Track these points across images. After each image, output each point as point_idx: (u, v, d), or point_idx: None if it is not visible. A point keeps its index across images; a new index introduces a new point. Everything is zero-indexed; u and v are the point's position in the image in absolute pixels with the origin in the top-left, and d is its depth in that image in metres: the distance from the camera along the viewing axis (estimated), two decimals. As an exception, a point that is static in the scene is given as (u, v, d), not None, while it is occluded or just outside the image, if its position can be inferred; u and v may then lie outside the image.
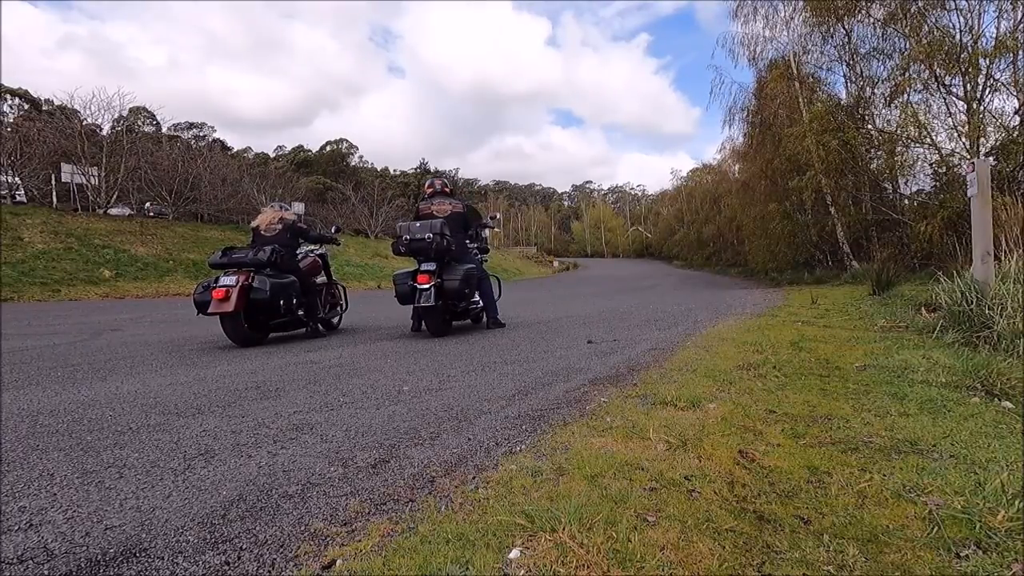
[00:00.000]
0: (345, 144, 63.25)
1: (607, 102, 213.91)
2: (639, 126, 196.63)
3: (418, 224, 5.29)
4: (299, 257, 5.67)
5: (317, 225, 4.96)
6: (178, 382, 3.55)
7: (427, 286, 5.03)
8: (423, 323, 5.54)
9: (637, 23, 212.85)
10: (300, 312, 5.46)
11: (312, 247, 6.09)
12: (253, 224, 5.57)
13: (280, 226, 5.39)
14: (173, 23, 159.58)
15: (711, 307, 8.83)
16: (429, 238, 5.08)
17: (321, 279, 6.19)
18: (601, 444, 2.08)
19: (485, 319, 6.15)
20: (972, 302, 4.31)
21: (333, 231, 6.57)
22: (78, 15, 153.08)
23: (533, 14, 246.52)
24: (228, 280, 4.76)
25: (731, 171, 30.60)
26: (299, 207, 31.43)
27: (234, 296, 4.69)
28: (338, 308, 6.41)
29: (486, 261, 6.40)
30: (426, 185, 6.12)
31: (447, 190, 6.02)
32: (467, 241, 5.82)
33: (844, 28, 15.75)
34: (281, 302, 5.01)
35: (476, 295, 5.78)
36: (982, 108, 12.78)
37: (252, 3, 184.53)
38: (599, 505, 1.54)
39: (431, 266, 5.11)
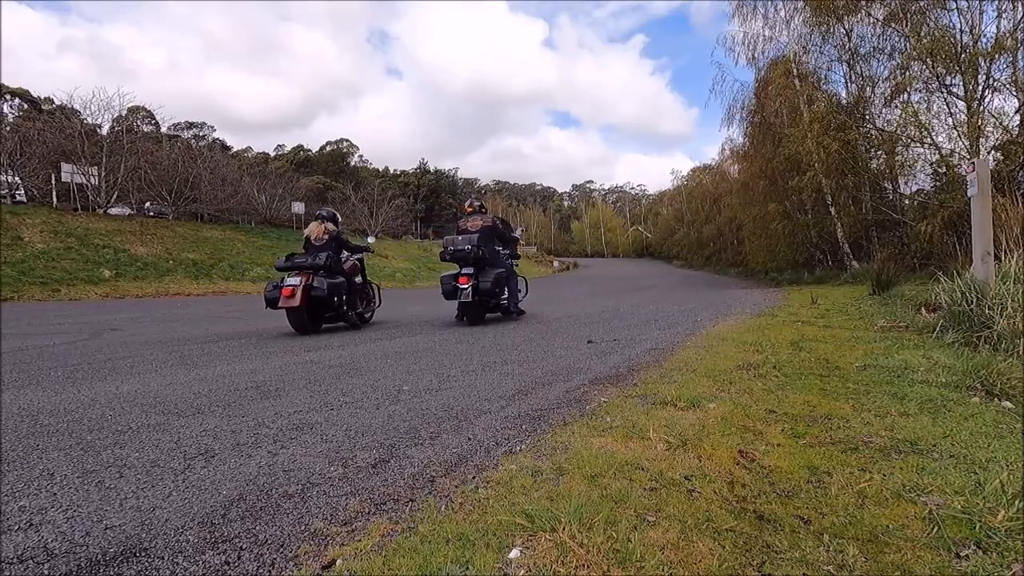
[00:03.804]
0: (345, 144, 63.26)
1: (604, 103, 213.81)
2: (636, 127, 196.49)
3: (460, 238, 6.67)
4: (342, 261, 6.56)
5: (350, 237, 6.03)
6: (178, 382, 3.55)
7: (466, 286, 6.33)
8: (464, 314, 6.71)
9: (632, 24, 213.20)
10: (343, 310, 6.39)
11: (351, 254, 6.99)
12: (305, 234, 6.57)
13: (327, 237, 6.37)
14: (171, 25, 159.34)
15: (711, 307, 8.83)
16: (468, 249, 6.41)
17: (358, 280, 7.03)
18: (601, 444, 2.08)
19: (509, 308, 7.27)
20: (972, 302, 4.31)
21: (369, 241, 7.75)
22: (76, 18, 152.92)
23: (529, 15, 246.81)
24: (293, 280, 5.74)
25: (731, 171, 30.60)
26: (299, 207, 31.50)
27: (299, 294, 5.66)
28: (371, 304, 7.27)
29: (516, 265, 7.55)
30: (465, 204, 7.39)
31: (481, 208, 7.25)
32: (498, 249, 6.96)
33: (844, 28, 15.74)
34: (335, 298, 6.02)
35: (506, 292, 6.93)
36: (982, 108, 12.78)
37: (249, 4, 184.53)
38: (599, 505, 1.54)
39: (470, 270, 6.40)
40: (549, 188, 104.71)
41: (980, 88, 12.82)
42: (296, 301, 5.66)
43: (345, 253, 6.69)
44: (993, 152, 12.66)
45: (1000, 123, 12.82)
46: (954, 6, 13.04)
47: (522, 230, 8.57)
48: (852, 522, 1.48)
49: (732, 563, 1.30)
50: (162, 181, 24.68)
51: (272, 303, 5.83)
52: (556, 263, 47.93)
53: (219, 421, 2.58)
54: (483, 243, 6.54)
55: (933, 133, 13.51)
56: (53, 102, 30.19)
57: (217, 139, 56.50)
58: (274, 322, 7.93)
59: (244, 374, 3.80)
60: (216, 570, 1.31)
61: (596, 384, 3.24)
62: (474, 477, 1.83)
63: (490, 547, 1.34)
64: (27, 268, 15.33)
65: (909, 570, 1.27)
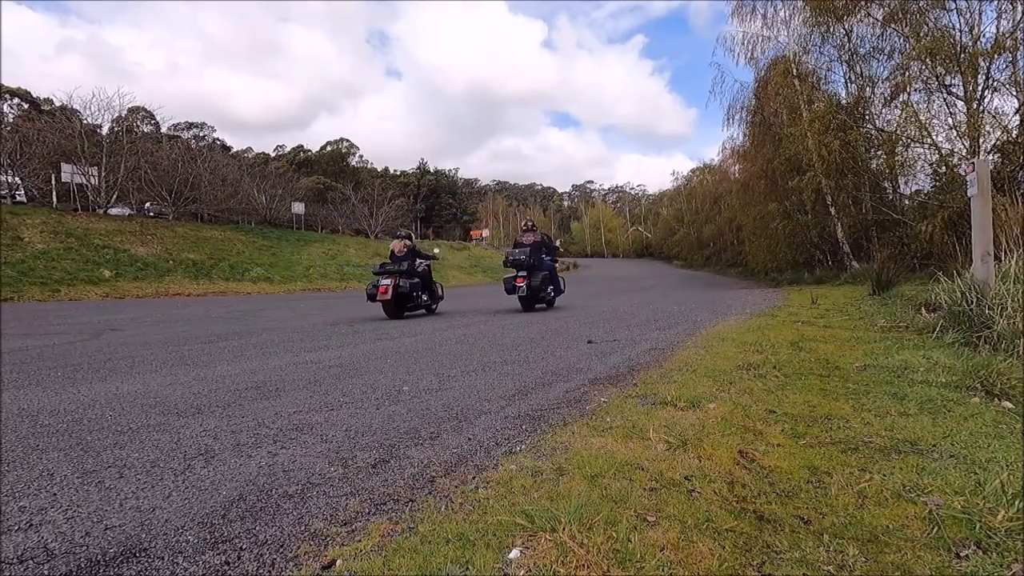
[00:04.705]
0: (345, 144, 63.18)
1: (604, 104, 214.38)
2: (636, 127, 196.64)
3: (517, 250, 9.04)
4: (417, 267, 8.76)
5: (422, 249, 9.19)
6: (178, 382, 3.55)
7: (522, 284, 8.73)
8: (521, 304, 9.08)
9: (630, 24, 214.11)
10: (419, 301, 8.75)
11: (423, 260, 9.17)
12: (390, 248, 8.89)
13: (406, 250, 8.70)
14: (170, 26, 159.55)
15: (711, 307, 8.83)
16: (523, 258, 8.81)
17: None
18: (601, 444, 2.08)
19: (553, 300, 9.80)
20: (972, 302, 4.31)
21: (435, 252, 10.22)
22: (76, 19, 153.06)
23: (528, 16, 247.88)
24: (386, 281, 8.08)
25: (731, 171, 30.57)
26: (299, 207, 31.51)
27: (390, 291, 7.99)
28: (437, 298, 9.49)
29: (557, 266, 10.23)
30: (522, 224, 9.85)
31: (532, 227, 9.68)
32: (544, 257, 9.31)
33: (843, 28, 15.74)
34: (414, 294, 8.47)
35: (550, 289, 9.45)
36: (982, 108, 12.77)
37: (248, 4, 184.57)
38: (599, 505, 1.54)
39: (524, 273, 8.82)
40: (549, 188, 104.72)
41: (980, 88, 12.82)
42: (388, 296, 8.01)
43: (419, 261, 8.86)
44: (993, 152, 12.66)
45: (1000, 123, 12.82)
46: (953, 6, 13.04)
47: (560, 241, 11.80)
48: (852, 522, 1.48)
49: (732, 563, 1.30)
50: (162, 181, 24.67)
51: (371, 297, 8.17)
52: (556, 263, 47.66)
53: (219, 421, 2.59)
54: (533, 254, 8.95)
55: (933, 133, 13.51)
56: (53, 103, 30.19)
57: (217, 139, 56.47)
58: (273, 323, 7.94)
59: (244, 374, 3.80)
60: (216, 570, 1.31)
61: (596, 384, 3.24)
62: (474, 477, 1.83)
63: (490, 547, 1.34)
64: (27, 268, 15.33)
65: (909, 570, 1.27)
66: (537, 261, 8.97)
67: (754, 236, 21.59)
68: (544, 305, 9.57)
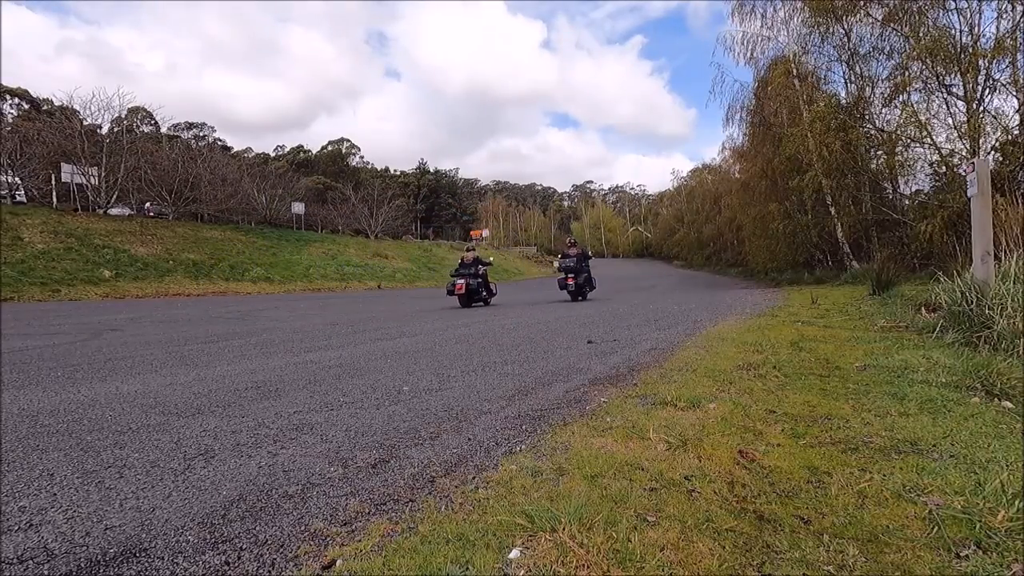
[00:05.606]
0: (346, 144, 63.15)
1: (603, 104, 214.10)
2: (635, 128, 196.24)
3: (566, 259, 12.50)
4: (479, 271, 11.86)
5: (482, 258, 12.34)
6: (178, 382, 3.55)
7: (571, 283, 12.26)
8: (570, 297, 12.52)
9: (629, 25, 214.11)
10: (481, 295, 11.88)
11: (483, 266, 12.10)
12: (461, 257, 12.19)
13: (472, 259, 11.88)
14: (170, 27, 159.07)
15: (711, 307, 8.83)
16: (571, 264, 12.34)
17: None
18: (601, 444, 2.08)
19: (587, 293, 13.18)
20: (972, 302, 4.31)
21: (490, 260, 12.84)
22: (75, 20, 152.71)
23: (527, 16, 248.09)
24: (460, 280, 11.21)
25: (731, 171, 30.57)
26: (299, 207, 31.54)
27: (463, 287, 11.12)
28: (493, 293, 12.58)
29: (592, 267, 13.41)
30: (567, 241, 13.90)
31: (574, 243, 13.35)
32: (583, 265, 12.69)
33: (843, 28, 15.75)
34: (479, 290, 11.70)
35: (587, 287, 12.85)
36: (982, 108, 12.78)
37: (247, 5, 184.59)
38: (599, 505, 1.54)
39: (572, 274, 12.30)
40: (549, 188, 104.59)
41: (980, 88, 12.82)
42: (462, 291, 11.13)
43: (480, 266, 11.91)
44: (993, 152, 12.67)
45: (1000, 123, 12.82)
46: (953, 6, 13.05)
47: (591, 250, 14.70)
48: (852, 522, 1.48)
49: (732, 563, 1.30)
50: (162, 181, 24.68)
51: (450, 292, 11.28)
52: (556, 263, 47.66)
53: (219, 421, 2.58)
54: (578, 261, 12.47)
55: (933, 133, 13.52)
56: (53, 103, 30.16)
57: (217, 139, 56.41)
58: (273, 323, 7.95)
59: (244, 374, 3.80)
60: (216, 570, 1.31)
61: (596, 384, 3.24)
62: (474, 477, 1.83)
63: (490, 547, 1.34)
64: (27, 268, 15.33)
65: (909, 570, 1.27)
66: (580, 266, 12.60)
67: (754, 236, 21.61)
68: (581, 298, 12.86)
